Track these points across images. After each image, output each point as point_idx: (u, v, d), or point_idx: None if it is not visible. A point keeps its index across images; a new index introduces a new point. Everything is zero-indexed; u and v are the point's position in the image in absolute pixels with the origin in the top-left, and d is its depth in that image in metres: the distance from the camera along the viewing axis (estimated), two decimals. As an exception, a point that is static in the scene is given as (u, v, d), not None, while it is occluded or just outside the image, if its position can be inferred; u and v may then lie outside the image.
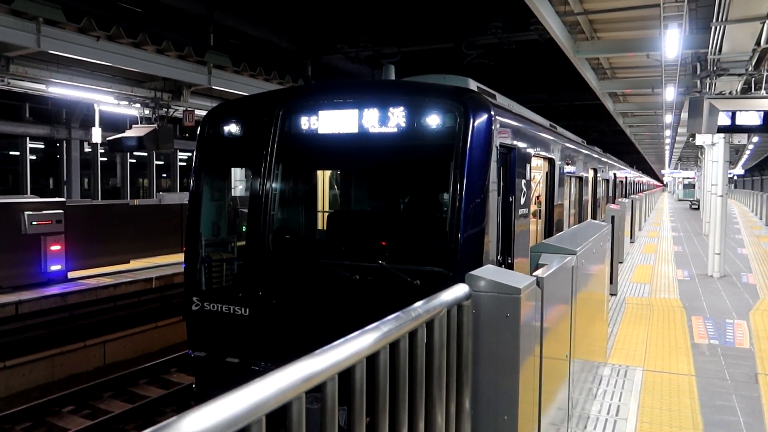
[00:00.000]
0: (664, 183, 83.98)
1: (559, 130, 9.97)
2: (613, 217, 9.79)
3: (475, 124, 5.00)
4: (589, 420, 4.74)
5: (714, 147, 14.02)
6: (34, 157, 25.10)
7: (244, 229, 5.92)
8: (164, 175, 32.92)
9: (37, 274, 10.62)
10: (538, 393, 3.00)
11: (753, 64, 10.14)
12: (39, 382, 9.25)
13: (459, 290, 2.51)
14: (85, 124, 23.47)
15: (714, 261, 11.66)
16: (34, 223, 10.44)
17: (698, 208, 34.69)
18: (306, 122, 5.62)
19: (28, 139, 23.75)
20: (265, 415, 1.34)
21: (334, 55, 17.44)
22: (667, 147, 35.08)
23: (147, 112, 15.60)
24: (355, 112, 5.41)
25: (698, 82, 11.17)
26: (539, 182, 7.72)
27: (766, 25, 8.28)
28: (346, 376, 1.78)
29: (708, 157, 17.23)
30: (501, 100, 6.98)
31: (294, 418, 1.49)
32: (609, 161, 17.24)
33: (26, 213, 10.36)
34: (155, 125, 15.20)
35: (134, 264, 13.10)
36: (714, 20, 8.17)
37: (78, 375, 9.72)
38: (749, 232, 21.52)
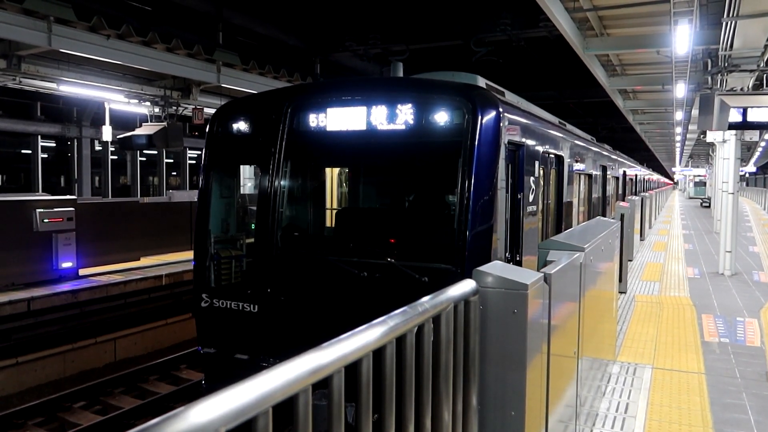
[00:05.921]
0: (675, 181, 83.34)
1: (568, 127, 9.94)
2: (622, 215, 9.74)
3: (484, 121, 4.99)
4: (598, 417, 4.73)
5: (725, 144, 13.89)
6: (45, 155, 25.30)
7: (252, 227, 5.95)
8: (174, 173, 33.10)
9: (48, 271, 10.74)
10: (546, 390, 3.00)
11: (765, 59, 10.03)
12: (51, 378, 9.35)
13: (466, 286, 2.50)
14: (95, 122, 23.62)
15: (725, 259, 11.57)
16: (45, 220, 10.55)
17: (709, 206, 34.44)
18: (314, 120, 5.63)
19: (39, 137, 23.94)
20: (272, 408, 1.35)
21: (343, 52, 17.42)
22: (678, 144, 34.76)
23: (157, 110, 15.70)
24: (363, 109, 5.41)
25: (709, 78, 11.06)
26: (548, 179, 7.69)
27: (778, 20, 8.18)
28: (353, 370, 1.79)
29: (719, 155, 17.09)
30: (510, 97, 6.96)
31: (300, 410, 1.50)
32: (619, 158, 17.14)
33: (38, 211, 10.48)
34: (165, 123, 15.29)
35: (144, 261, 13.21)
36: (725, 15, 8.08)
37: (89, 371, 9.81)
38: (761, 230, 21.33)
